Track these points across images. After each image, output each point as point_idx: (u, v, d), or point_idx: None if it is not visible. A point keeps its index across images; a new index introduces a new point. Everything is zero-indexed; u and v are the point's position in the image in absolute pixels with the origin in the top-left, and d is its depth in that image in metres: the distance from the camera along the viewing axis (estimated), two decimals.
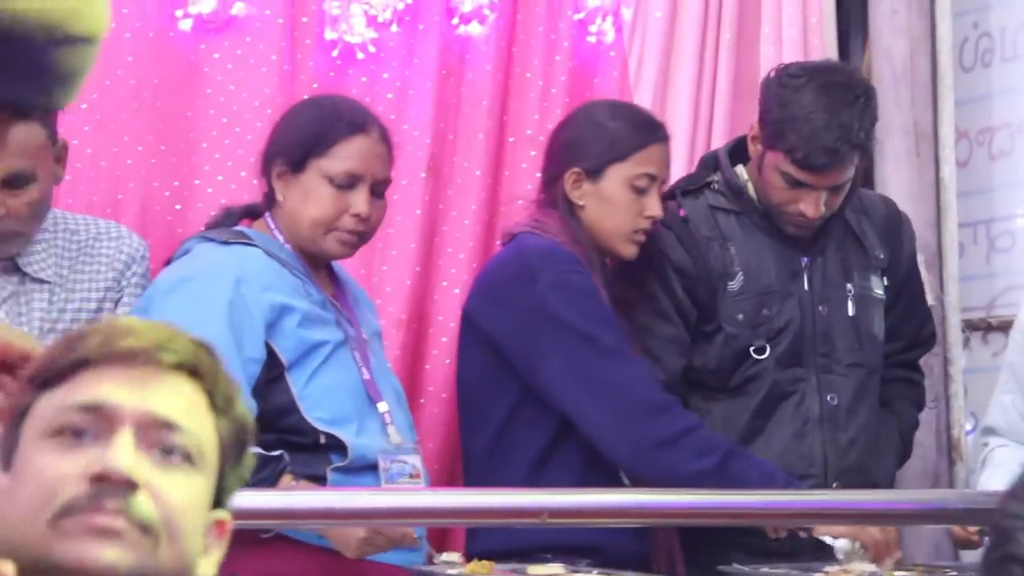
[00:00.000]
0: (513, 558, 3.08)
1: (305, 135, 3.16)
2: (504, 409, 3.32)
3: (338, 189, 3.15)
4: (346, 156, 3.15)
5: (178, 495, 1.47)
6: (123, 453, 1.45)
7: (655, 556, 3.30)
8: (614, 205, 3.35)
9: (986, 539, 2.55)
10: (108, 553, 1.42)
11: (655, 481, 3.11)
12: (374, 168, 3.18)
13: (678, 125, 4.00)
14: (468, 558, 3.13)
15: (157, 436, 1.48)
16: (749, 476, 3.13)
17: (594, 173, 3.36)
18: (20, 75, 1.38)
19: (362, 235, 3.21)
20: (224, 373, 1.55)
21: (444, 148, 3.87)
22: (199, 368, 1.52)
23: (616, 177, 3.36)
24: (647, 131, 3.39)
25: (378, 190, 3.21)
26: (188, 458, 1.49)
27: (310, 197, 3.14)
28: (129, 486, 1.44)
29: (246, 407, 1.59)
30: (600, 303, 3.28)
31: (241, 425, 1.56)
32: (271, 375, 3.05)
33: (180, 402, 1.50)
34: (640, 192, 3.36)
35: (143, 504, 1.44)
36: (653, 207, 3.36)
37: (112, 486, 1.43)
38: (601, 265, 3.39)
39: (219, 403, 1.53)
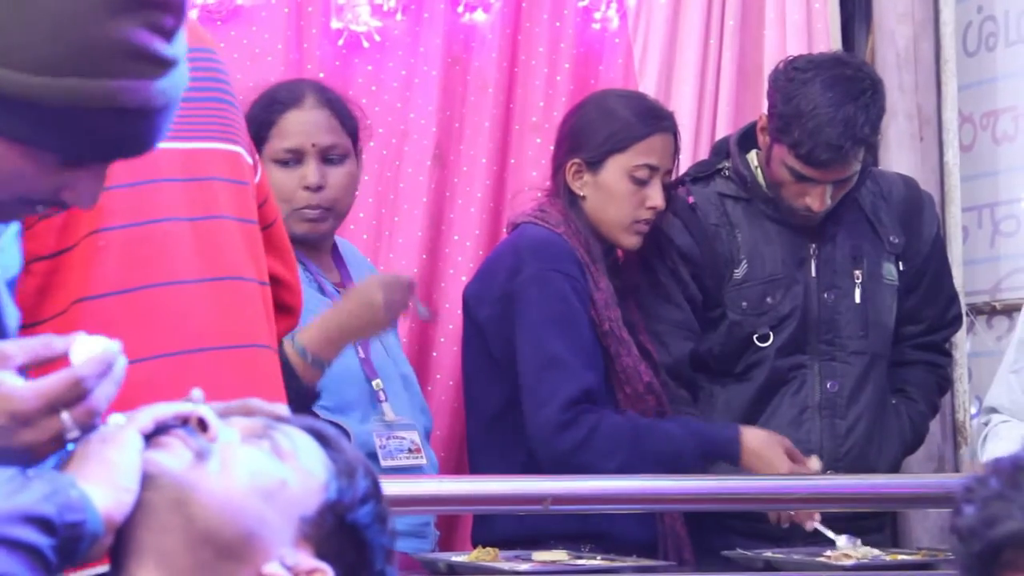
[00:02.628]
0: (519, 546, 3.10)
1: (251, 124, 3.18)
2: (499, 395, 3.34)
3: (287, 167, 3.18)
4: (286, 134, 3.16)
5: (245, 459, 1.52)
6: (207, 411, 1.54)
7: (661, 541, 3.32)
8: (614, 196, 3.36)
9: None
10: (152, 454, 1.49)
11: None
12: (316, 137, 3.20)
13: (682, 111, 4.00)
14: (475, 546, 3.16)
15: (254, 428, 1.56)
16: (660, 451, 3.17)
17: (594, 164, 3.37)
18: None
19: (328, 208, 3.21)
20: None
21: (450, 136, 3.88)
22: (328, 439, 1.58)
23: (615, 168, 3.36)
24: (648, 122, 3.38)
25: (331, 157, 3.22)
26: (277, 451, 1.54)
27: (271, 183, 3.18)
28: (200, 425, 1.53)
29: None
30: (567, 305, 3.26)
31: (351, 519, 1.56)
32: None
33: (294, 430, 1.58)
34: (640, 183, 3.35)
35: (202, 438, 1.52)
36: (654, 197, 3.36)
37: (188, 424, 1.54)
38: (605, 255, 3.40)
39: (341, 468, 1.56)
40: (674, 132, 3.42)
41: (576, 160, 3.38)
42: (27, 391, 1.51)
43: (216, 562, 1.49)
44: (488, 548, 3.02)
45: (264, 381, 2.34)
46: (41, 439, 1.50)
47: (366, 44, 3.85)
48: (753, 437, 3.25)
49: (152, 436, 1.52)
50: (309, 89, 3.24)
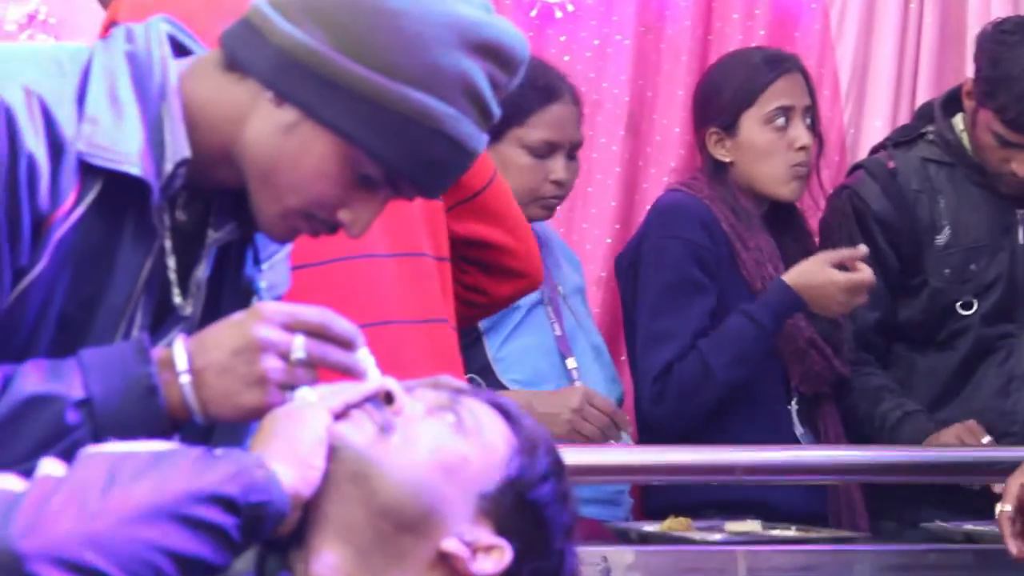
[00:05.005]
0: (678, 514, 3.08)
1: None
2: None
3: (536, 158, 3.19)
4: (543, 125, 3.19)
5: (428, 434, 1.53)
6: (392, 382, 1.57)
7: (835, 512, 3.27)
8: (759, 150, 3.31)
9: None
10: (336, 426, 1.51)
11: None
12: (570, 133, 3.23)
13: (882, 75, 3.95)
14: (645, 515, 3.17)
15: (439, 402, 1.57)
16: (730, 356, 3.17)
17: (730, 127, 3.34)
18: None
19: (560, 198, 3.27)
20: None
21: (643, 105, 3.88)
22: (511, 415, 1.60)
23: (750, 123, 3.32)
24: (766, 69, 3.33)
25: (572, 153, 3.25)
26: (460, 426, 1.55)
27: (509, 167, 3.17)
28: (387, 399, 1.55)
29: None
30: (681, 273, 3.24)
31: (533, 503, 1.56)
32: (468, 339, 3.09)
33: (477, 404, 1.59)
34: (780, 129, 3.31)
35: (387, 411, 1.53)
36: (800, 137, 3.30)
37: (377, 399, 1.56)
38: (763, 217, 3.34)
39: (523, 444, 1.57)
40: (800, 71, 3.37)
41: (712, 129, 3.35)
42: (275, 302, 1.61)
43: (396, 536, 1.50)
44: (680, 518, 3.01)
45: (447, 355, 2.39)
46: (270, 339, 1.54)
47: (559, 14, 3.86)
48: (798, 273, 3.20)
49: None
50: (565, 83, 3.27)
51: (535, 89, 3.17)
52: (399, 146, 1.60)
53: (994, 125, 3.29)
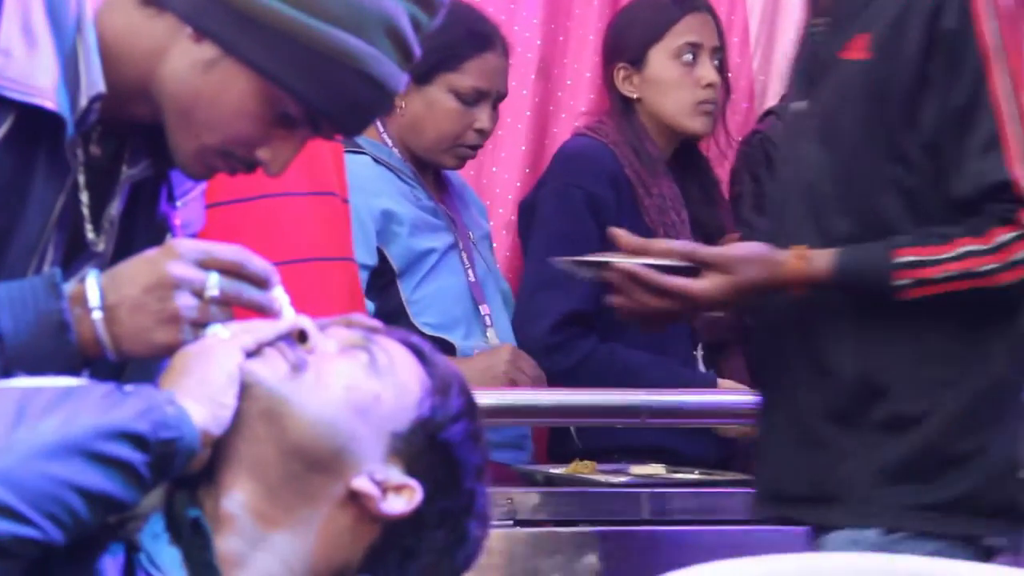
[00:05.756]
0: (587, 459, 3.10)
1: (433, 46, 3.19)
2: None
3: (464, 105, 3.19)
4: (476, 72, 3.20)
5: (341, 372, 1.53)
6: (306, 320, 1.56)
7: (737, 457, 3.31)
8: (667, 85, 3.34)
9: None
10: (249, 363, 1.50)
11: None
12: (499, 84, 3.25)
13: (791, 24, 3.93)
14: (551, 459, 3.20)
15: (352, 340, 1.57)
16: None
17: (637, 62, 3.36)
18: None
19: (477, 148, 3.29)
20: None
21: (555, 49, 3.87)
22: (424, 354, 1.59)
23: (659, 57, 3.35)
24: (675, 6, 3.37)
25: (496, 104, 3.27)
26: (374, 365, 1.54)
27: (435, 110, 3.19)
28: (300, 337, 1.54)
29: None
30: (579, 224, 3.24)
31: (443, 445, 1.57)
32: (383, 282, 3.10)
33: (391, 343, 1.58)
34: (688, 64, 3.34)
35: (300, 350, 1.53)
36: (708, 75, 3.34)
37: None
38: (668, 163, 3.37)
39: (435, 384, 1.57)
40: (710, 12, 3.41)
41: (621, 64, 3.37)
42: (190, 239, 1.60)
43: (306, 474, 1.50)
44: (586, 461, 3.04)
45: (358, 293, 2.41)
46: (184, 276, 1.53)
47: None
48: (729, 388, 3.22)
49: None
50: (498, 34, 3.29)
51: (471, 36, 3.19)
52: (320, 85, 1.60)
53: None
